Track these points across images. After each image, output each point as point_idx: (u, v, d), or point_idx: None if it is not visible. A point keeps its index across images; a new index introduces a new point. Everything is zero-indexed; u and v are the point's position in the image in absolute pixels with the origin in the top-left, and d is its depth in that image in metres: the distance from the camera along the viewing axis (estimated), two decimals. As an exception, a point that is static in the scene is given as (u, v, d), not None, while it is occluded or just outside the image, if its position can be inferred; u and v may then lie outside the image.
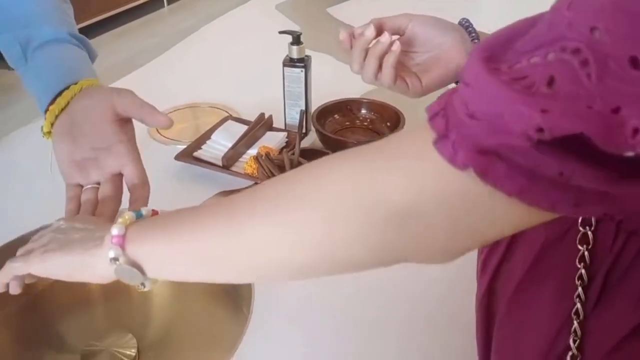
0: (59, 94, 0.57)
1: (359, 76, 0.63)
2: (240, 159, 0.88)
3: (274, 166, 0.81)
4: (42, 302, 0.70)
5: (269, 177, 0.79)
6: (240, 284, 0.69)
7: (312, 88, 0.95)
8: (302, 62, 0.91)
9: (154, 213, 0.44)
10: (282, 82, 0.92)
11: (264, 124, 0.93)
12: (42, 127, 0.58)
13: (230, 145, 0.88)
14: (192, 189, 0.83)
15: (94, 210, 0.55)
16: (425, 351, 0.58)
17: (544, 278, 0.44)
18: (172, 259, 0.40)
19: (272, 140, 0.91)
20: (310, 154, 0.84)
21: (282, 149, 0.90)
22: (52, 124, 0.57)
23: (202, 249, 0.38)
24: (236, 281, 0.40)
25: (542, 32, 0.25)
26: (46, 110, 0.58)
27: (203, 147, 0.89)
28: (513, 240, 0.49)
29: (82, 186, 0.58)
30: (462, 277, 0.62)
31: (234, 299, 0.72)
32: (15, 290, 0.48)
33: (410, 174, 0.30)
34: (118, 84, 1.16)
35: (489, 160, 0.26)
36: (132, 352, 0.66)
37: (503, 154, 0.25)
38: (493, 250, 0.52)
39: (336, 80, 1.09)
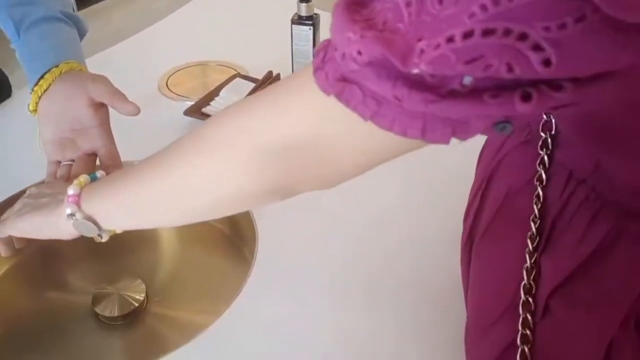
0: (42, 75, 0.61)
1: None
2: (248, 116, 0.89)
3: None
4: (56, 249, 0.73)
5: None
6: (245, 232, 0.71)
7: (320, 47, 0.95)
8: (311, 20, 0.91)
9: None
10: (290, 41, 0.93)
11: (271, 82, 0.94)
12: (28, 105, 0.63)
13: (237, 101, 0.89)
14: (199, 144, 0.85)
15: None
16: (420, 296, 0.60)
17: (505, 230, 0.46)
18: (117, 212, 0.46)
19: (279, 98, 0.92)
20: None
21: (289, 106, 0.92)
22: (36, 104, 0.62)
23: (137, 201, 0.44)
24: (173, 225, 0.47)
25: None
26: (32, 90, 0.62)
27: (211, 103, 0.91)
28: (487, 187, 0.52)
29: (60, 162, 0.63)
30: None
31: (238, 247, 0.75)
32: (5, 252, 0.54)
33: (289, 108, 0.35)
34: (130, 41, 1.17)
35: (348, 88, 0.29)
36: (141, 296, 0.70)
37: (358, 82, 0.29)
38: (474, 197, 0.55)
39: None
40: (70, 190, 0.47)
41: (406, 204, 0.73)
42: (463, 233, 0.58)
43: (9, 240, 0.53)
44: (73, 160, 0.62)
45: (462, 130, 0.29)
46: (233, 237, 0.76)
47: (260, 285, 0.61)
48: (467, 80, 0.26)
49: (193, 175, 0.41)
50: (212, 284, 0.74)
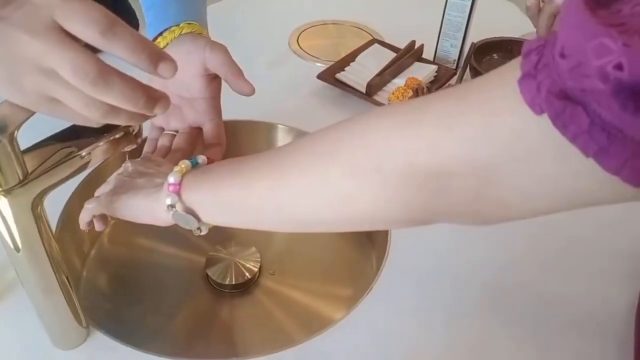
0: (161, 32, 0.55)
1: (516, 17, 0.57)
2: (384, 88, 0.81)
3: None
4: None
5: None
6: (377, 233, 0.65)
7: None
8: (471, -10, 0.81)
9: (210, 161, 0.46)
10: (443, 10, 0.83)
11: (414, 53, 0.86)
12: None
13: (375, 71, 0.82)
14: (331, 111, 0.79)
15: (165, 156, 0.56)
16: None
17: None
18: (221, 208, 0.41)
19: (421, 72, 0.83)
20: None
21: (430, 83, 0.83)
22: None
23: (246, 200, 0.39)
24: (279, 230, 0.41)
25: None
26: None
27: (346, 69, 0.84)
28: None
29: (163, 129, 0.59)
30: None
31: (366, 247, 0.68)
32: (99, 227, 0.51)
33: (468, 122, 0.28)
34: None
35: (571, 109, 0.23)
36: (255, 267, 0.66)
37: (586, 104, 0.22)
38: None
39: (496, 18, 0.98)
40: (171, 178, 0.42)
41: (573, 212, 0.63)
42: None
43: (104, 216, 0.50)
44: (177, 131, 0.58)
45: None
46: (361, 233, 0.70)
47: (384, 293, 0.54)
48: None
49: (319, 189, 0.35)
50: (329, 271, 0.69)
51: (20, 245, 0.40)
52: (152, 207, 0.44)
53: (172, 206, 0.42)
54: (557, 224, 0.62)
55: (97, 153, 0.38)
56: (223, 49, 0.54)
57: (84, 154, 0.37)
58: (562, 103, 0.23)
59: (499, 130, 0.27)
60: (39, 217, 0.40)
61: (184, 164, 0.44)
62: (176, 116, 0.57)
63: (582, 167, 0.24)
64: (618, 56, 0.20)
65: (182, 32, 0.55)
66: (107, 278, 0.66)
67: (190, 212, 0.42)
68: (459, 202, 0.30)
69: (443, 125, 0.29)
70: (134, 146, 0.42)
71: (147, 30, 0.58)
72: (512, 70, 0.26)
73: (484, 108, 0.27)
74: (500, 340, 0.51)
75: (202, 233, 0.44)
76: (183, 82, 0.55)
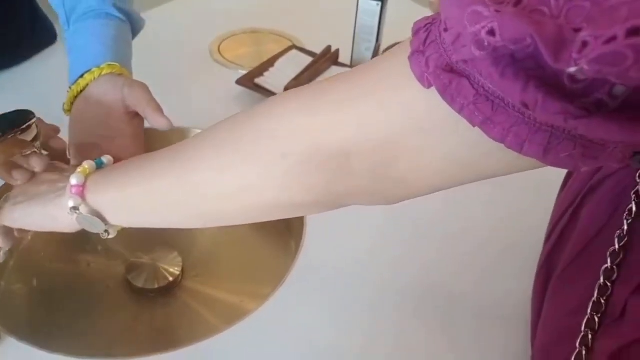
0: (82, 74, 0.56)
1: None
2: (302, 91, 0.84)
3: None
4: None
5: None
6: (293, 220, 0.67)
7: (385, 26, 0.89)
8: (380, -5, 0.85)
9: (117, 160, 0.44)
10: (355, 15, 0.87)
11: (329, 58, 0.89)
12: (63, 104, 0.58)
13: (293, 75, 0.85)
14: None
15: None
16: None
17: (593, 265, 0.40)
18: (127, 207, 0.40)
19: (337, 76, 0.87)
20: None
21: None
22: (72, 104, 0.57)
23: (152, 198, 0.38)
24: (189, 227, 0.40)
25: None
26: (69, 89, 0.57)
27: (265, 74, 0.86)
28: (579, 209, 0.46)
29: None
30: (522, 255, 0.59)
31: (284, 234, 0.70)
32: (4, 243, 0.47)
33: (365, 101, 0.28)
34: (183, 1, 1.13)
35: (457, 81, 0.23)
36: (177, 270, 0.66)
37: (470, 75, 0.23)
38: (561, 216, 0.49)
39: (409, 22, 1.03)
40: (74, 180, 0.40)
41: (468, 199, 0.67)
42: (541, 255, 0.52)
43: (8, 230, 0.48)
44: None
45: (592, 155, 0.23)
46: (279, 223, 0.72)
47: (300, 282, 0.57)
48: (619, 90, 0.20)
49: (224, 179, 0.34)
50: (252, 267, 0.71)
51: None
52: (53, 213, 0.42)
53: (75, 209, 0.40)
54: (472, 224, 0.66)
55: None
56: (142, 86, 0.54)
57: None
58: (448, 76, 0.24)
59: (393, 107, 0.27)
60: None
61: (88, 164, 0.42)
62: (97, 152, 0.55)
63: (471, 138, 0.25)
64: (490, 22, 0.21)
65: (102, 73, 0.55)
66: (27, 288, 0.65)
67: (95, 214, 0.41)
68: (361, 182, 0.31)
69: (341, 107, 0.29)
70: (31, 150, 0.42)
71: (69, 73, 0.58)
72: (403, 49, 0.27)
73: (378, 86, 0.28)
74: (413, 332, 0.54)
75: (110, 236, 0.43)
76: (103, 121, 0.55)
